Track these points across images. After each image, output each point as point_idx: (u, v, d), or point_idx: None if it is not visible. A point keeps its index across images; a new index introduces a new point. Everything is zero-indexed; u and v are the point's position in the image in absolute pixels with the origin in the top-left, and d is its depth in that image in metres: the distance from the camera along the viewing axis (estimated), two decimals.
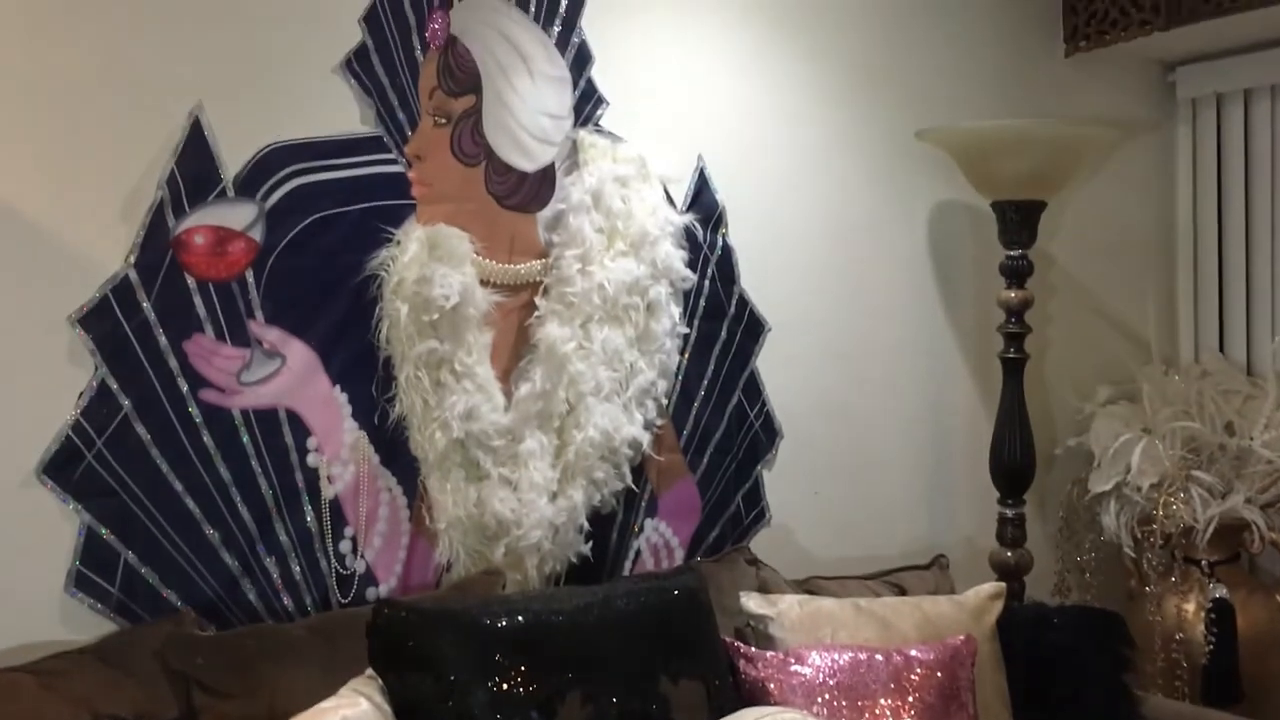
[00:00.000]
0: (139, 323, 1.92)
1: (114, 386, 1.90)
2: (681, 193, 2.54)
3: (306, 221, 2.08)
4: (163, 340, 1.95)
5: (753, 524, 2.68)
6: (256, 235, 2.03)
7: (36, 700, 1.68)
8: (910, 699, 2.05)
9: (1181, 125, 3.42)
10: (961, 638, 2.19)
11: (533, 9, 2.32)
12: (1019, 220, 2.71)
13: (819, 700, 2.03)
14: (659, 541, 2.54)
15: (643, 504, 2.50)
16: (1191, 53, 3.27)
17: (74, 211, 1.88)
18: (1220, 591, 2.82)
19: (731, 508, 2.64)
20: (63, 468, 1.86)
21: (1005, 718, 2.24)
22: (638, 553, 2.50)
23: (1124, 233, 3.39)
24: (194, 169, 1.96)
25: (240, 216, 2.02)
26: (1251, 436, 2.86)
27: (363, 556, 2.16)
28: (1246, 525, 2.82)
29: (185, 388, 1.97)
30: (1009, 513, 2.81)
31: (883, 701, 2.04)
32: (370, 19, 2.14)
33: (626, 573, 2.48)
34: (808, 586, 2.48)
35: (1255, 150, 3.22)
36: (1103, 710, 2.26)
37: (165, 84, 1.95)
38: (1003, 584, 2.43)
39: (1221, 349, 3.30)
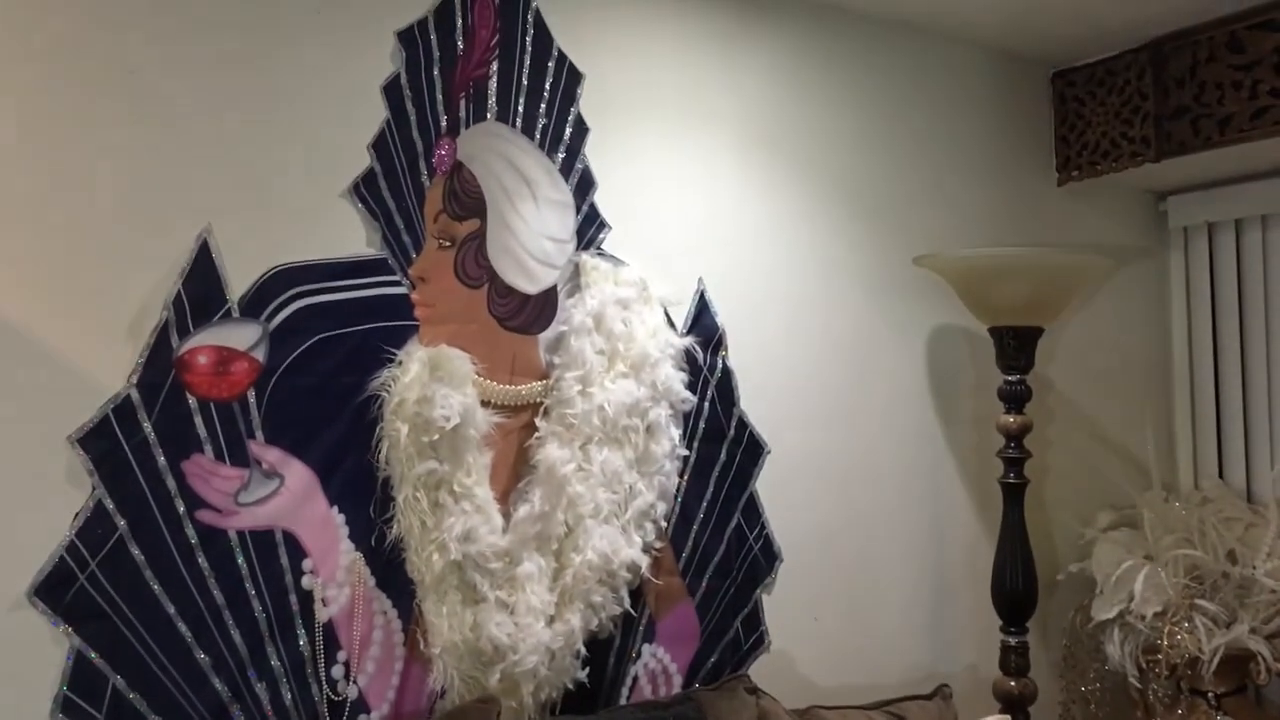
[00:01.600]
0: (138, 442, 1.91)
1: (110, 507, 1.88)
2: (682, 315, 2.56)
3: (310, 342, 2.08)
4: (161, 460, 1.93)
5: (752, 650, 2.64)
6: (259, 355, 2.04)
7: None
8: None
9: (1174, 253, 3.48)
10: None
11: (538, 136, 2.37)
12: (1016, 346, 2.74)
13: None
14: (657, 668, 2.49)
15: (641, 629, 2.46)
16: (1182, 183, 3.35)
17: (79, 331, 1.88)
18: None
19: (730, 633, 2.61)
20: (55, 590, 1.83)
21: None
22: (635, 679, 2.45)
23: (1121, 358, 3.42)
24: (200, 290, 1.97)
25: (244, 337, 2.02)
26: (1254, 565, 2.84)
27: (355, 682, 2.12)
28: (1252, 656, 2.78)
29: (182, 508, 1.95)
30: (1012, 640, 2.78)
31: None
32: (379, 145, 2.18)
33: (623, 700, 2.43)
34: (808, 717, 2.43)
35: (1248, 278, 3.27)
36: None
37: (175, 206, 1.97)
38: (1007, 717, 2.39)
39: (1221, 475, 3.30)
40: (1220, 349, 3.34)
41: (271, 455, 2.04)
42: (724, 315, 2.62)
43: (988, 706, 2.70)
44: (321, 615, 2.09)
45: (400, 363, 2.15)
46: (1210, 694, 2.83)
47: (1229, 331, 3.33)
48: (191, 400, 1.97)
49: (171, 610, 1.93)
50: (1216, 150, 2.89)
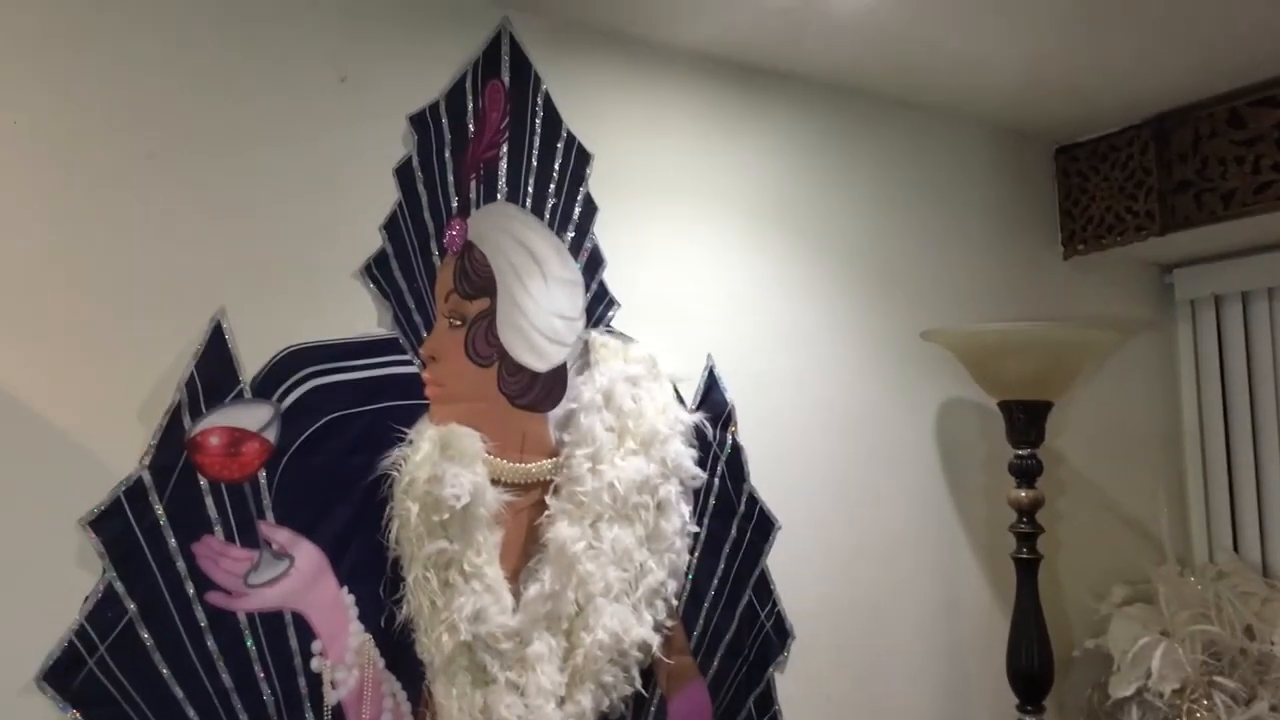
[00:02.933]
0: (149, 524, 1.91)
1: (121, 590, 1.87)
2: (691, 391, 2.57)
3: (321, 422, 2.09)
4: (173, 542, 1.93)
5: None
6: (271, 436, 2.04)
7: None
8: None
9: (1181, 325, 3.49)
10: None
11: (547, 216, 2.40)
12: (1026, 420, 2.74)
13: None
14: None
15: (652, 709, 2.43)
16: (1187, 256, 3.37)
17: (90, 413, 1.89)
18: None
19: (743, 713, 2.57)
20: (63, 675, 1.81)
21: None
22: None
23: (1131, 431, 3.41)
24: (213, 371, 1.98)
25: (256, 418, 2.03)
26: (1273, 641, 2.81)
27: None
28: None
29: (192, 590, 1.94)
30: None
31: None
32: (390, 226, 2.20)
33: None
34: None
35: (1256, 351, 3.27)
36: None
37: (188, 288, 1.99)
38: None
39: (1236, 548, 3.27)
40: (1231, 421, 3.34)
41: (281, 536, 2.04)
42: (733, 391, 2.63)
43: None
44: (330, 698, 2.07)
45: (411, 442, 2.16)
46: None
47: (1239, 403, 3.33)
48: (203, 481, 1.97)
49: (180, 694, 1.92)
50: (1221, 224, 2.91)
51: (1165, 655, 2.80)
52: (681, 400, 2.53)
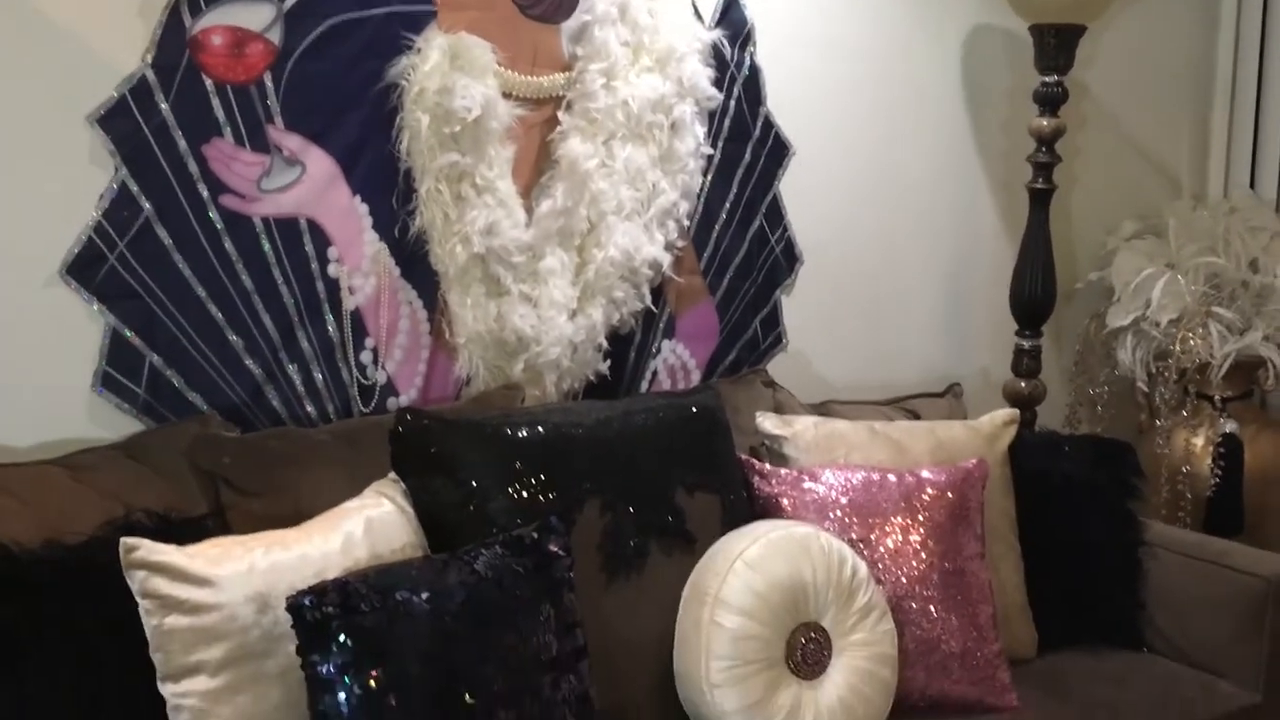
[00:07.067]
0: (157, 124, 1.89)
1: (134, 189, 1.88)
2: (710, 8, 2.46)
3: (326, 25, 2.02)
4: (182, 144, 1.92)
5: (769, 349, 2.69)
6: (275, 38, 1.98)
7: (68, 492, 1.72)
8: (920, 518, 2.09)
9: None
10: (973, 461, 2.22)
11: None
12: (1057, 44, 2.64)
13: (831, 516, 2.07)
14: (676, 363, 2.55)
15: (661, 325, 2.51)
16: None
17: (91, 8, 1.83)
18: (1230, 426, 2.85)
19: (749, 332, 2.65)
20: (86, 269, 1.86)
21: (1012, 540, 2.29)
22: (654, 373, 2.52)
23: (1161, 64, 3.29)
24: None
25: (258, 17, 1.96)
26: (1275, 274, 2.85)
27: (383, 368, 2.18)
28: (1262, 362, 2.83)
29: (205, 193, 1.95)
30: (1026, 344, 2.82)
31: (893, 520, 2.08)
32: None
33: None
34: (823, 410, 2.50)
35: None
36: (1108, 535, 2.31)
37: None
38: (1016, 411, 2.45)
39: (1252, 186, 3.25)
40: (1267, 54, 3.21)
41: (292, 142, 2.03)
42: (753, 8, 2.51)
43: (997, 407, 2.76)
44: (348, 303, 2.13)
45: (419, 50, 2.09)
46: (1216, 397, 2.90)
47: (1277, 39, 3.19)
48: (208, 82, 1.93)
49: (202, 293, 1.97)
50: None
51: (1167, 286, 2.84)
52: (700, 16, 2.43)
